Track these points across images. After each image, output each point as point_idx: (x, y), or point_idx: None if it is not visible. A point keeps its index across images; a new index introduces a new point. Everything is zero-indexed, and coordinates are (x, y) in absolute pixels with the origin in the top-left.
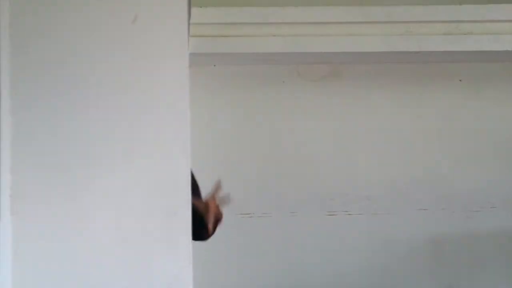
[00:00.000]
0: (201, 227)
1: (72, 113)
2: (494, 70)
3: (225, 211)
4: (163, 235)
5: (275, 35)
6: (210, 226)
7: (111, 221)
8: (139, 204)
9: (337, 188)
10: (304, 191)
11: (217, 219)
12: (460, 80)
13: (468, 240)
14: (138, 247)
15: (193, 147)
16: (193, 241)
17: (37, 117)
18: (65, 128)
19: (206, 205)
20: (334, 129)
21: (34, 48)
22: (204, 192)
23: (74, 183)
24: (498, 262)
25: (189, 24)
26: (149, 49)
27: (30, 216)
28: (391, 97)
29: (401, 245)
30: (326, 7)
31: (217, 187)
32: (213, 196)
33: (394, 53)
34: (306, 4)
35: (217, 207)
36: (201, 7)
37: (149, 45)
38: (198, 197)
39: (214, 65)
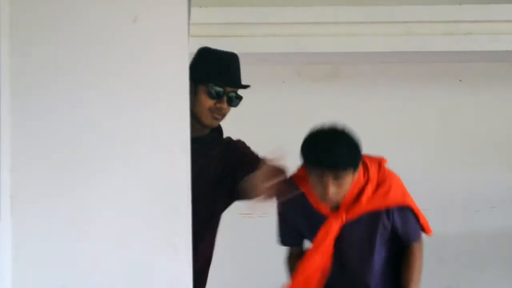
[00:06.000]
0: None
1: (72, 113)
2: (494, 70)
3: (226, 211)
4: (163, 235)
5: (275, 35)
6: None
7: (111, 221)
8: (139, 204)
9: None
10: None
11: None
12: (460, 80)
13: (468, 240)
14: (138, 247)
15: None
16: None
17: (37, 117)
18: (65, 128)
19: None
20: None
21: (34, 48)
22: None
23: (74, 183)
24: (498, 262)
25: (189, 24)
26: (149, 49)
27: (30, 216)
28: (391, 97)
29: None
30: (326, 7)
31: (278, 155)
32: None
33: (394, 53)
34: (306, 4)
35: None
36: (201, 7)
37: (149, 45)
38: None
39: None
